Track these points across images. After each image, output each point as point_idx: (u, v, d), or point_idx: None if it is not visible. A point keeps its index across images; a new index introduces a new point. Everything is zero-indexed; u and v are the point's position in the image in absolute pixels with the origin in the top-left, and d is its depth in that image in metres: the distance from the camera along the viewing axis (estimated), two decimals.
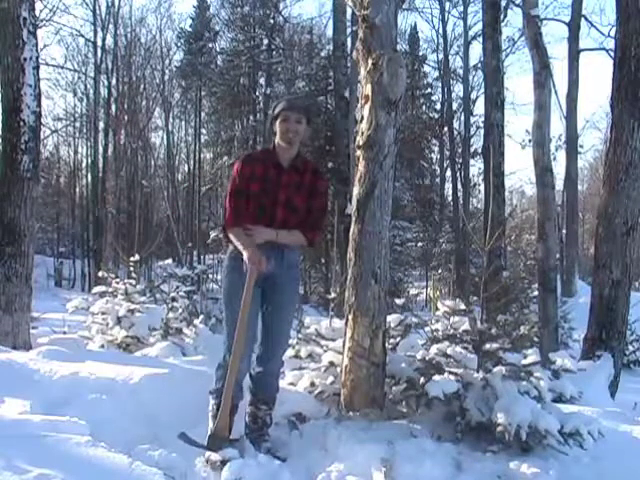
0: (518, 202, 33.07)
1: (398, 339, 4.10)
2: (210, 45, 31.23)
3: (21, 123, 6.51)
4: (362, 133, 3.71)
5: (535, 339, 3.93)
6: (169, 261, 11.31)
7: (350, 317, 3.68)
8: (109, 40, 26.61)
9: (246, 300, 3.16)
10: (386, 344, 3.76)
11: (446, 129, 27.35)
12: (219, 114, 29.97)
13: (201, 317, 7.41)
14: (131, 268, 7.55)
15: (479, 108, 24.74)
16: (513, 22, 47.44)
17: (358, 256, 3.67)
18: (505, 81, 14.54)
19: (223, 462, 3.04)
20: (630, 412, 4.74)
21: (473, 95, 26.48)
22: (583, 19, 17.70)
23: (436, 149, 30.48)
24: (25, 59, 6.52)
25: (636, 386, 7.40)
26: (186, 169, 33.60)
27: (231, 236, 3.37)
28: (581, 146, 20.53)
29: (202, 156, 31.93)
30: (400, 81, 3.62)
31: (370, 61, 3.68)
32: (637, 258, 6.13)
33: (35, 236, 7.16)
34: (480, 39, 18.08)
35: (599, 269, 6.02)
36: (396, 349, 4.03)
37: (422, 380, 3.55)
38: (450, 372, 3.54)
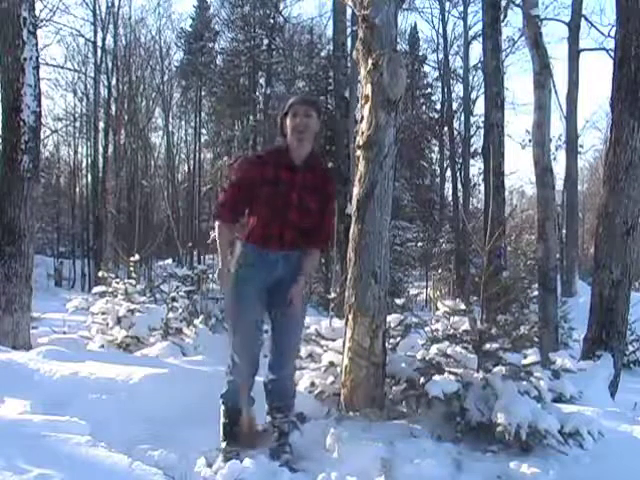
0: (518, 202, 32.99)
1: (398, 339, 4.09)
2: (210, 45, 31.27)
3: (21, 123, 6.50)
4: (362, 133, 3.71)
5: (535, 339, 3.93)
6: (169, 261, 11.29)
7: (350, 317, 3.68)
8: (109, 40, 26.62)
9: None
10: (386, 344, 3.76)
11: (446, 129, 27.34)
12: (219, 114, 30.02)
13: (201, 317, 7.40)
14: (131, 268, 7.55)
15: (479, 108, 24.79)
16: (513, 22, 47.15)
17: (358, 256, 3.66)
18: (505, 81, 14.51)
19: (226, 458, 3.05)
20: (630, 412, 4.72)
21: (473, 95, 26.52)
22: (583, 19, 17.74)
23: (436, 149, 30.50)
24: (25, 59, 6.51)
25: (636, 386, 7.38)
26: (186, 169, 33.64)
27: (218, 233, 3.26)
28: (581, 146, 20.57)
29: (202, 156, 32.01)
30: (400, 81, 3.62)
31: (370, 61, 3.67)
32: (637, 258, 6.13)
33: (35, 236, 7.15)
34: (480, 39, 18.08)
35: (599, 269, 6.01)
36: (396, 349, 4.02)
37: (422, 380, 3.55)
38: (450, 372, 3.54)
